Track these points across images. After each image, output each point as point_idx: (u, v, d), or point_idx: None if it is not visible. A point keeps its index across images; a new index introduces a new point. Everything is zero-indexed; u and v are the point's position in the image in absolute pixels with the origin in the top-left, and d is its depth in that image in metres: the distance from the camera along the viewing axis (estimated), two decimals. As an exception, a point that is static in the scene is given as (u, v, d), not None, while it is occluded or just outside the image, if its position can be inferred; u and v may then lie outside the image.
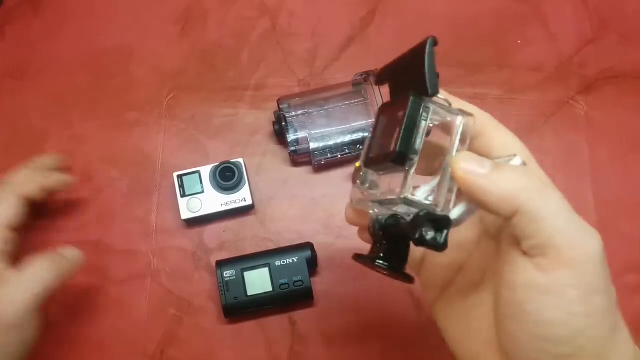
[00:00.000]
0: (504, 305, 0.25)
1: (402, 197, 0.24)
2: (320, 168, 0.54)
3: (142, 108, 0.56)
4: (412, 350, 0.49)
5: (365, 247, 0.29)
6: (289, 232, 0.52)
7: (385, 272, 0.27)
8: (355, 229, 0.33)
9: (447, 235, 0.23)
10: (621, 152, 0.55)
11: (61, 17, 0.59)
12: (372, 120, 0.51)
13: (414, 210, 0.24)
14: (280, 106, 0.53)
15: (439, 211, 0.25)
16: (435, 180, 0.25)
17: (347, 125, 0.52)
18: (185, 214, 0.51)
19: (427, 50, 0.24)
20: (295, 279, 0.48)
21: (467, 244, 0.30)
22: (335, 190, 0.54)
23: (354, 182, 0.29)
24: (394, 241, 0.27)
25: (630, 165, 0.54)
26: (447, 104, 0.26)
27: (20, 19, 0.59)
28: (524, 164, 0.25)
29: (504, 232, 0.27)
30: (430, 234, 0.23)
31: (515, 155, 0.26)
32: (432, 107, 0.25)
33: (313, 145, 0.51)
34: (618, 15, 0.58)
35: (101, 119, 0.56)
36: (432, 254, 0.31)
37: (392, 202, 0.26)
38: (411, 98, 0.24)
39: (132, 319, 0.50)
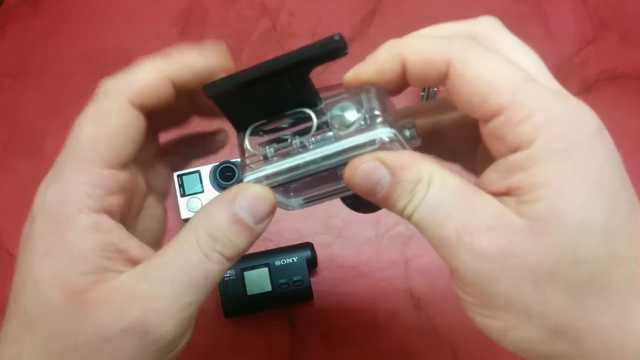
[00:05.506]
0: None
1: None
2: (320, 168, 0.54)
3: (142, 108, 0.56)
4: (412, 350, 0.49)
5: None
6: (289, 232, 0.52)
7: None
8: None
9: None
10: (622, 153, 0.54)
11: (61, 17, 0.59)
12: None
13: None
14: (280, 106, 0.52)
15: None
16: None
17: (347, 125, 0.52)
18: (185, 214, 0.51)
19: None
20: (295, 278, 0.48)
21: None
22: (335, 190, 0.53)
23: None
24: None
25: (631, 165, 0.54)
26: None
27: (20, 18, 0.59)
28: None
29: None
30: None
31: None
32: None
33: (313, 145, 0.51)
34: (618, 15, 0.58)
35: (101, 119, 0.56)
36: None
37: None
38: None
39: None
